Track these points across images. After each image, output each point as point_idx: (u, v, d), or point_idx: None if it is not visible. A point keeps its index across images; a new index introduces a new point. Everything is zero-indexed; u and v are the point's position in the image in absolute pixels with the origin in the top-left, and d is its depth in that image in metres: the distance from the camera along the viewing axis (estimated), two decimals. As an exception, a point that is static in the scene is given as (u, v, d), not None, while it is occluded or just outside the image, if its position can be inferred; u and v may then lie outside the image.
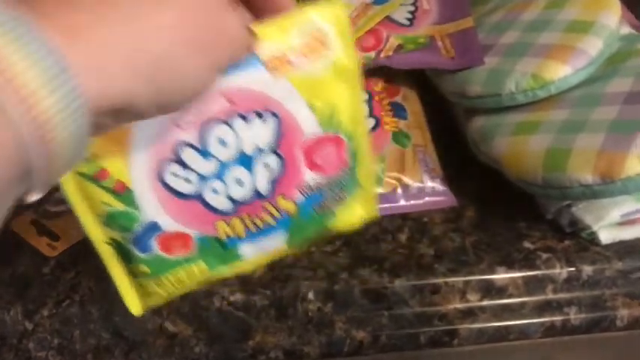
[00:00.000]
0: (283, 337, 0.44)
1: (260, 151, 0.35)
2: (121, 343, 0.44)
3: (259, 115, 0.34)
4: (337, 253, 0.47)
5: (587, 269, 0.45)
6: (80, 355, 0.44)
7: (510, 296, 0.45)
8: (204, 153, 0.34)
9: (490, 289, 0.45)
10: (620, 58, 0.48)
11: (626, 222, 0.45)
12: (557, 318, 0.45)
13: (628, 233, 0.46)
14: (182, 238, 0.36)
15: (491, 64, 0.50)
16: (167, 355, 0.44)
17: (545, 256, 0.46)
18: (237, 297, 0.44)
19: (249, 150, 0.35)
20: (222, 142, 0.34)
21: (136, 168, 0.34)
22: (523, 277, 0.45)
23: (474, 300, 0.45)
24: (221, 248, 0.37)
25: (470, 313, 0.45)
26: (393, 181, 0.49)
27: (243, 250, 0.38)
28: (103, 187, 0.34)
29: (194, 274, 0.38)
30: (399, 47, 0.53)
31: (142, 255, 0.36)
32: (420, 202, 0.49)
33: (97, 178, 0.34)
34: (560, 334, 0.46)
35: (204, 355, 0.44)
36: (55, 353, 0.44)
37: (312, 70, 0.34)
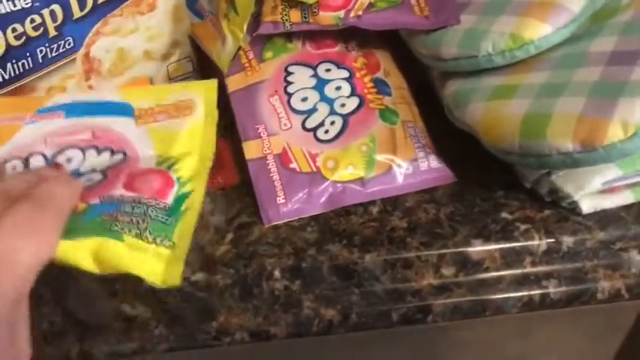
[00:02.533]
0: (248, 317, 0.42)
1: (92, 170, 0.39)
2: (76, 327, 0.42)
3: (112, 152, 0.40)
4: (305, 228, 0.44)
5: (568, 240, 0.43)
6: (32, 339, 0.41)
7: (487, 270, 0.43)
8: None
9: (465, 263, 0.43)
10: (605, 15, 0.45)
11: (608, 190, 0.43)
12: (536, 292, 0.43)
13: (610, 202, 0.43)
14: None
15: (467, 24, 0.46)
16: (125, 339, 0.42)
17: (523, 227, 0.44)
18: (199, 276, 0.42)
19: (83, 169, 0.39)
20: (68, 160, 0.39)
21: None
22: (500, 249, 0.43)
23: (448, 275, 0.43)
24: None
25: (444, 289, 0.43)
26: (387, 162, 0.47)
27: None
28: None
29: None
30: (370, 6, 0.50)
31: None
32: (417, 180, 0.47)
33: None
34: (538, 308, 0.44)
35: (165, 338, 0.42)
36: (5, 339, 0.41)
37: (170, 127, 0.41)
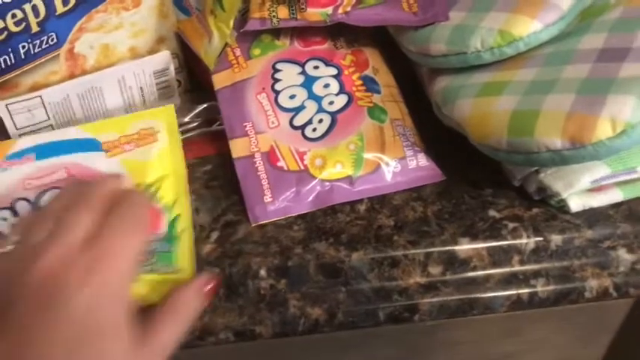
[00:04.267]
0: (233, 317, 0.41)
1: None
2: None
3: (276, 70, 0.47)
4: (292, 226, 0.44)
5: (556, 239, 0.43)
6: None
7: (474, 269, 0.42)
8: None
9: (453, 262, 0.42)
10: (594, 13, 0.45)
11: (596, 188, 0.43)
12: (524, 291, 0.43)
13: (598, 200, 0.43)
14: None
15: (456, 20, 0.46)
16: (108, 338, 0.41)
17: (511, 225, 0.43)
18: (183, 275, 0.41)
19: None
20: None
21: None
22: (488, 248, 0.43)
23: (435, 273, 0.42)
24: None
25: (431, 287, 0.42)
26: (375, 160, 0.46)
27: None
28: None
29: None
30: (358, 2, 0.49)
31: None
32: (406, 178, 0.46)
33: None
34: (527, 307, 0.43)
35: (149, 337, 0.41)
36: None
37: (140, 155, 0.42)
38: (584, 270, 0.43)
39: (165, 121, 0.44)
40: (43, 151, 0.44)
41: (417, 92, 0.51)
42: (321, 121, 0.47)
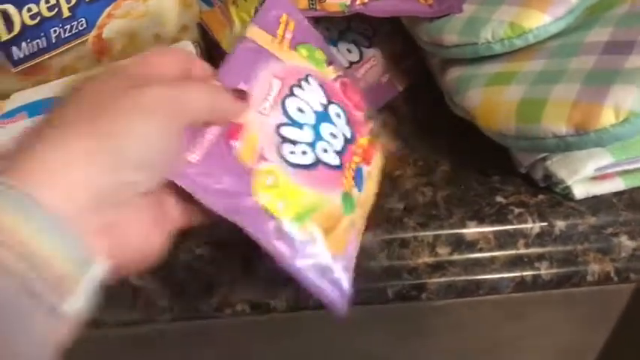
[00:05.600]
0: (250, 290, 0.44)
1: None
2: (84, 296, 0.43)
3: (306, 80, 0.43)
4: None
5: (560, 224, 0.44)
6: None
7: (481, 250, 0.44)
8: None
9: (460, 244, 0.44)
10: (602, 7, 0.46)
11: (600, 177, 0.44)
12: (528, 273, 0.45)
13: (602, 188, 0.45)
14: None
15: (469, 12, 0.48)
16: (131, 308, 0.43)
17: (517, 210, 0.45)
18: (204, 250, 0.43)
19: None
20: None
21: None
22: (494, 231, 0.44)
23: (443, 254, 0.44)
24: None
25: (439, 267, 0.44)
26: (310, 233, 0.38)
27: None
28: None
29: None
30: (375, -7, 0.51)
31: None
32: None
33: None
34: (530, 289, 0.45)
35: (169, 308, 0.44)
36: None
37: None
38: (587, 255, 0.45)
39: None
40: (35, 108, 0.47)
41: (429, 83, 0.53)
42: (304, 153, 0.39)
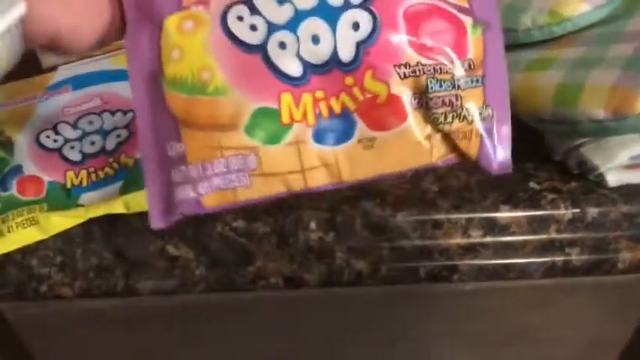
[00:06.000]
0: (284, 264, 0.45)
1: (116, 128, 0.41)
2: (122, 263, 0.44)
3: (123, 112, 0.43)
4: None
5: (592, 211, 0.45)
6: (81, 273, 0.44)
7: (513, 234, 0.45)
8: (75, 128, 0.47)
9: (493, 227, 0.45)
10: (642, -2, 0.47)
11: (634, 165, 0.45)
12: (559, 258, 0.45)
13: (635, 177, 0.45)
14: (36, 181, 0.44)
15: (509, 0, 0.48)
16: (168, 277, 0.45)
17: (550, 196, 0.45)
18: (240, 223, 0.44)
19: (106, 127, 0.42)
20: (90, 123, 0.46)
21: (23, 134, 0.46)
22: (527, 216, 0.45)
23: (475, 236, 0.45)
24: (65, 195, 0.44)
25: (471, 250, 0.45)
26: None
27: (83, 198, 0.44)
28: None
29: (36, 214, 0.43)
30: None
31: (1, 194, 0.44)
32: None
33: None
34: (560, 274, 0.46)
35: (205, 278, 0.45)
36: (57, 270, 0.44)
37: None
38: (619, 242, 0.45)
39: None
40: (79, 82, 0.50)
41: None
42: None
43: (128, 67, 0.33)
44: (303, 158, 0.33)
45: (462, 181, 0.47)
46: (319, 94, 0.31)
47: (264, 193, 0.34)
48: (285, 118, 0.31)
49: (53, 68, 0.52)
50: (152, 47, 0.32)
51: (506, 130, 0.36)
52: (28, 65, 0.52)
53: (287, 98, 0.31)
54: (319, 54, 0.30)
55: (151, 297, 0.46)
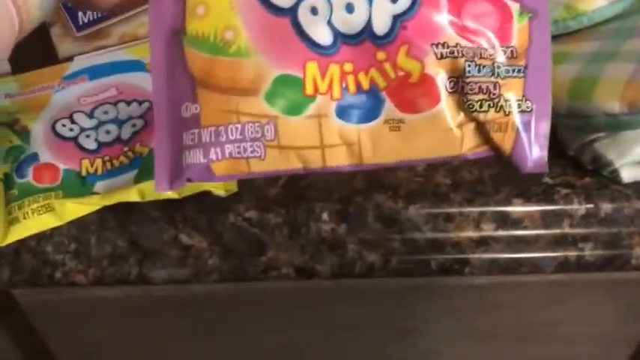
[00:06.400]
0: (295, 254, 0.45)
1: (131, 117, 0.42)
2: (136, 251, 0.45)
3: (139, 102, 0.44)
4: (353, 179, 0.47)
5: (606, 206, 0.45)
6: (95, 260, 0.45)
7: (525, 228, 0.45)
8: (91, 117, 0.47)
9: (505, 221, 0.45)
10: (659, -6, 0.46)
11: (649, 161, 0.44)
12: (572, 253, 0.45)
13: (650, 173, 0.45)
14: (51, 169, 0.45)
15: (524, -6, 0.48)
16: (180, 265, 0.45)
17: (564, 191, 0.45)
18: (252, 214, 0.44)
19: (122, 117, 0.43)
20: (105, 113, 0.47)
21: (39, 122, 0.47)
22: (540, 210, 0.45)
23: (488, 230, 0.45)
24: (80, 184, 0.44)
25: (483, 243, 0.45)
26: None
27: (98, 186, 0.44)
28: (13, 130, 0.46)
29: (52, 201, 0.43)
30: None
31: (17, 180, 0.44)
32: None
33: (12, 124, 0.47)
34: (573, 270, 0.45)
35: (218, 267, 0.45)
36: (72, 257, 0.45)
37: None
38: (632, 238, 0.45)
39: None
40: (96, 72, 0.51)
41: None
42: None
43: (149, 22, 0.31)
44: (324, 134, 0.31)
45: (474, 175, 0.47)
46: (348, 66, 0.29)
47: (279, 167, 0.32)
48: (309, 89, 0.30)
49: (69, 58, 0.53)
50: (177, 1, 0.31)
51: (545, 127, 0.34)
52: (44, 56, 0.53)
53: (313, 68, 0.29)
54: (352, 23, 0.28)
55: (164, 286, 0.46)
